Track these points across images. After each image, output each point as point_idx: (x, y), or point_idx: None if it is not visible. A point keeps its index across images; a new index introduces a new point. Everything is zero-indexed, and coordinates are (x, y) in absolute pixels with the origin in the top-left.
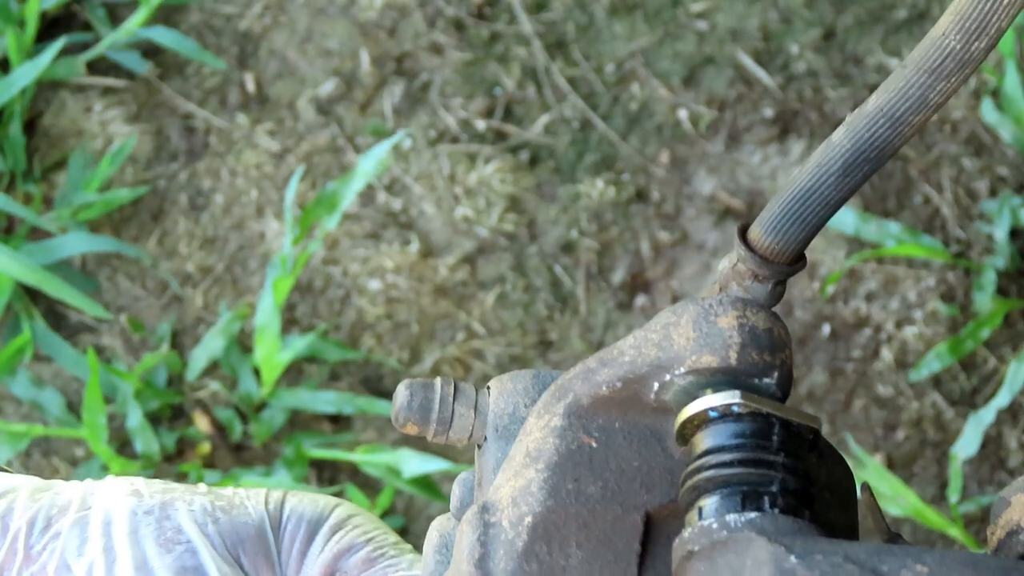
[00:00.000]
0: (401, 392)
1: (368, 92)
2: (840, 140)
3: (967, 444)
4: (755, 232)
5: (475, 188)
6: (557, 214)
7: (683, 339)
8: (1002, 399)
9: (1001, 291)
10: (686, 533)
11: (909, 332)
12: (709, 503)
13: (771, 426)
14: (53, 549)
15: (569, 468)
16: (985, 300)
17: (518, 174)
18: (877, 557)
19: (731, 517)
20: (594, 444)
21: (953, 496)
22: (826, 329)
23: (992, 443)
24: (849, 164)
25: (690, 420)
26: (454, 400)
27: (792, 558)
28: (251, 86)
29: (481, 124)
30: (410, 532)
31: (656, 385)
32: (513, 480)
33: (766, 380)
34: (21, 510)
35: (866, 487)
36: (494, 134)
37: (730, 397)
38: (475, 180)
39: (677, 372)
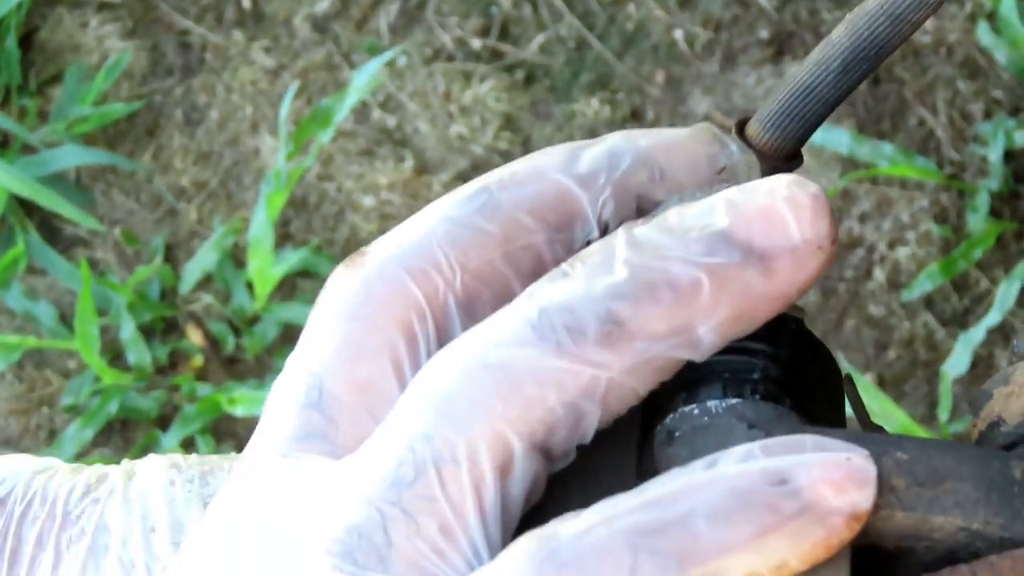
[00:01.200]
0: None
1: (364, 10)
2: (839, 38)
3: (957, 363)
4: (753, 128)
5: (470, 106)
6: (552, 133)
7: None
8: (992, 318)
9: (994, 213)
10: (667, 419)
11: (902, 252)
12: (690, 389)
13: None
14: (92, 512)
15: None
16: (978, 221)
17: (513, 93)
18: (855, 443)
19: (712, 403)
20: None
21: (943, 415)
22: None
23: (982, 363)
24: (848, 62)
25: None
26: None
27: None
28: (247, 3)
29: (477, 43)
30: None
31: None
32: None
33: None
34: (60, 480)
35: (848, 378)
36: (490, 53)
37: None
38: (470, 98)
39: None
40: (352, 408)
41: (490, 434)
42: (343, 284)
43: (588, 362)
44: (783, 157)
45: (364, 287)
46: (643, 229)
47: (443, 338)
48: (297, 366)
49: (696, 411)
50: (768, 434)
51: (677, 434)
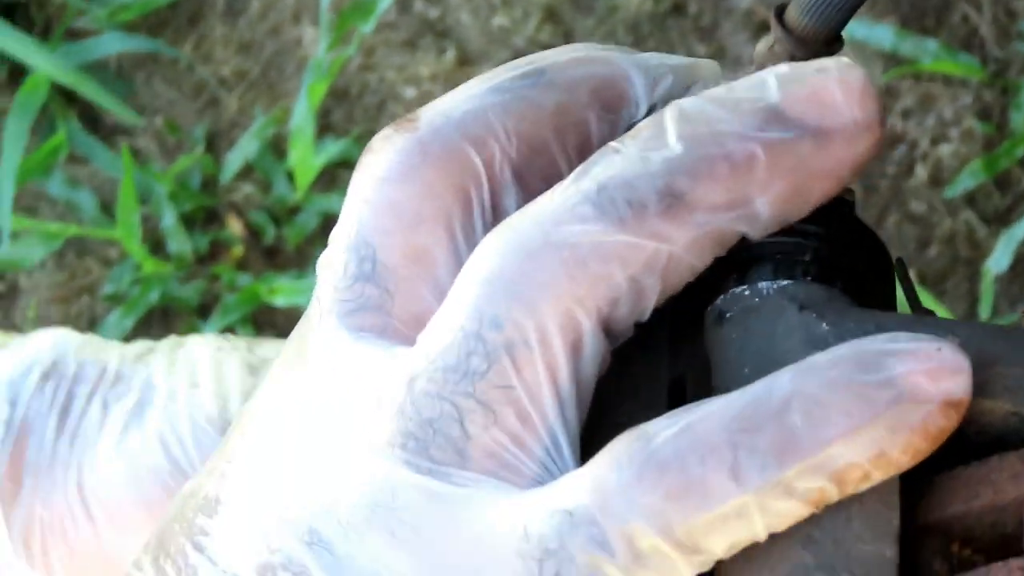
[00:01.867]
0: None
1: None
2: None
3: (999, 260)
4: (791, 14)
5: None
6: (594, 25)
7: None
8: None
9: None
10: (718, 300)
11: (944, 149)
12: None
13: None
14: (140, 372)
15: None
16: (1021, 119)
17: None
18: (909, 326)
19: (763, 284)
20: None
21: (984, 312)
22: None
23: None
24: None
25: None
26: None
27: (824, 325)
28: None
29: None
30: None
31: None
32: None
33: None
34: (111, 349)
35: (899, 261)
36: None
37: None
38: None
39: None
40: (408, 279)
41: (560, 314)
42: (394, 147)
43: (651, 235)
44: (823, 42)
45: (420, 148)
46: (692, 101)
47: (497, 208)
48: (347, 235)
49: (747, 292)
50: (819, 316)
51: (728, 315)
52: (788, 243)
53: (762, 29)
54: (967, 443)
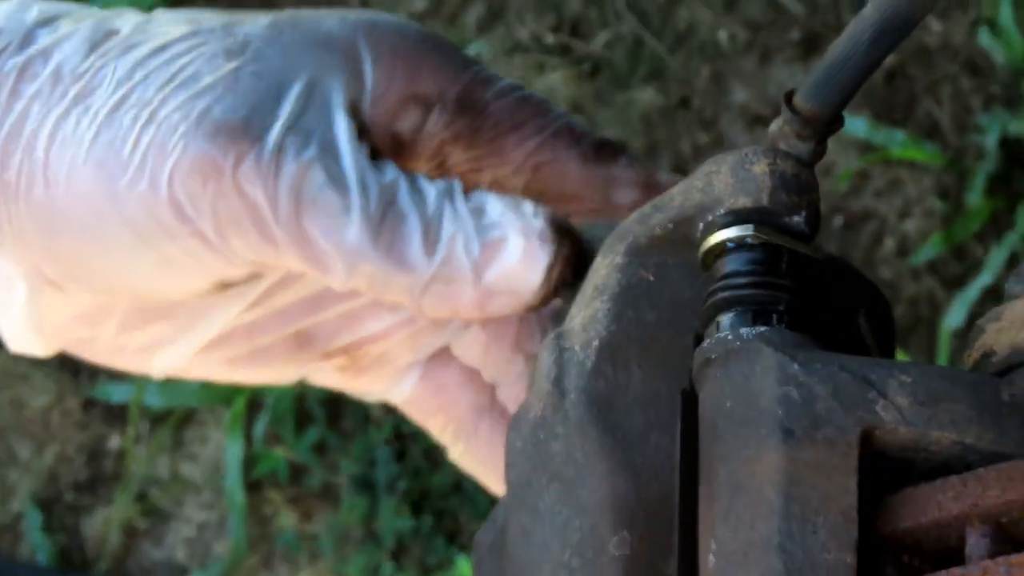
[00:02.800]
0: None
1: (454, 8)
2: (869, 14)
3: (954, 318)
4: (798, 98)
5: (543, 92)
6: (613, 117)
7: (723, 184)
8: (985, 279)
9: (989, 191)
10: (705, 344)
11: (909, 224)
12: (725, 319)
13: (780, 255)
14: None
15: (630, 299)
16: (975, 198)
17: (580, 82)
18: (868, 367)
19: (744, 330)
20: (651, 278)
21: (941, 362)
22: (839, 220)
23: (976, 318)
24: (877, 34)
25: (711, 250)
26: None
27: (795, 365)
28: (355, 3)
29: (550, 38)
30: None
31: (701, 225)
32: (583, 311)
33: (795, 218)
34: (66, 34)
35: (862, 312)
36: (560, 47)
37: (745, 230)
38: (543, 86)
39: (717, 213)
40: None
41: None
42: None
43: None
44: (825, 122)
45: None
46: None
47: None
48: None
49: (730, 336)
50: (791, 357)
51: (714, 356)
52: (764, 295)
53: (757, 121)
54: (916, 468)
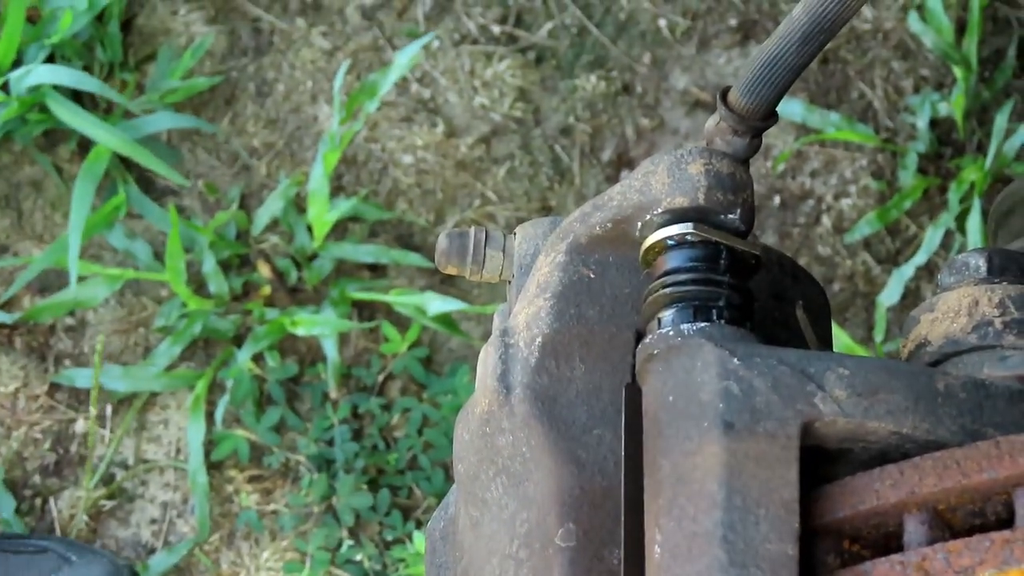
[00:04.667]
0: (443, 240)
1: (404, 1)
2: (799, 15)
3: (890, 294)
4: (733, 95)
5: (491, 81)
6: (558, 104)
7: (660, 184)
8: (920, 258)
9: (921, 170)
10: (647, 339)
11: (845, 203)
12: (667, 315)
13: (719, 252)
14: None
15: (571, 296)
16: (908, 177)
17: (526, 70)
18: (806, 360)
19: (685, 326)
20: (592, 275)
21: (878, 337)
22: (776, 200)
23: (911, 294)
24: (807, 34)
25: (651, 247)
26: (486, 244)
27: (735, 360)
28: None
29: (496, 29)
30: (433, 361)
31: (639, 224)
32: (527, 308)
33: (730, 216)
34: None
35: (799, 304)
36: (507, 37)
37: (683, 228)
38: (491, 75)
39: (656, 212)
40: None
41: None
42: None
43: None
44: (760, 117)
45: None
46: None
47: None
48: None
49: (671, 332)
50: (731, 352)
51: (656, 352)
52: (704, 291)
53: (696, 105)
54: (855, 458)
